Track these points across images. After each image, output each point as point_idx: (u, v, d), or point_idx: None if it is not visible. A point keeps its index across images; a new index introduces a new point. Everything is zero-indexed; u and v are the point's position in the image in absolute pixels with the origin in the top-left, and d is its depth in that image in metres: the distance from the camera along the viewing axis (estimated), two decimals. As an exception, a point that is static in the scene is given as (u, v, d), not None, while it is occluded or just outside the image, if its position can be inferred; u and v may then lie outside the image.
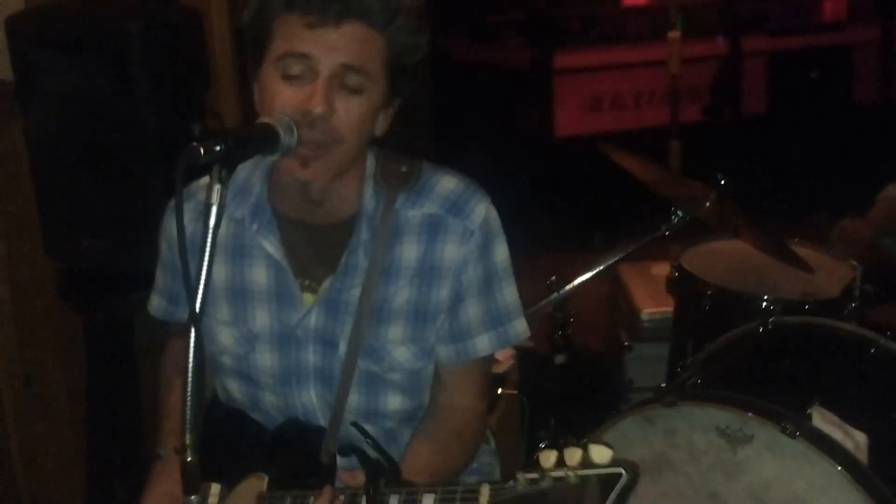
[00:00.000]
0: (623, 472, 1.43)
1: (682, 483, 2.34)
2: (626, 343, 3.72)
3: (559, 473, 1.45)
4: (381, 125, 1.88)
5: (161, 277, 2.13)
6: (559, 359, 3.13)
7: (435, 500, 1.63)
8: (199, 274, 1.54)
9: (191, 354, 1.52)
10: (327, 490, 1.76)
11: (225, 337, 2.00)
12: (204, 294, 1.54)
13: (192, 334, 1.51)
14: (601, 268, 2.95)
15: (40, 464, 3.49)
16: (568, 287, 2.91)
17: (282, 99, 1.75)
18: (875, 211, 3.06)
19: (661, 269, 3.74)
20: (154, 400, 3.03)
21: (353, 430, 1.88)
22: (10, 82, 2.84)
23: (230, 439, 1.98)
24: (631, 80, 5.99)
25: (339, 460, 1.92)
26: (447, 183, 1.95)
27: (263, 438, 2.00)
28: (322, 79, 1.74)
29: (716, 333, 2.73)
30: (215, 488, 1.95)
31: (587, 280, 2.95)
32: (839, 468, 2.15)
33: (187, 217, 1.99)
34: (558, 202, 6.08)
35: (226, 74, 3.13)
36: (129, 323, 3.02)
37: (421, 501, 1.65)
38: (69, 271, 3.02)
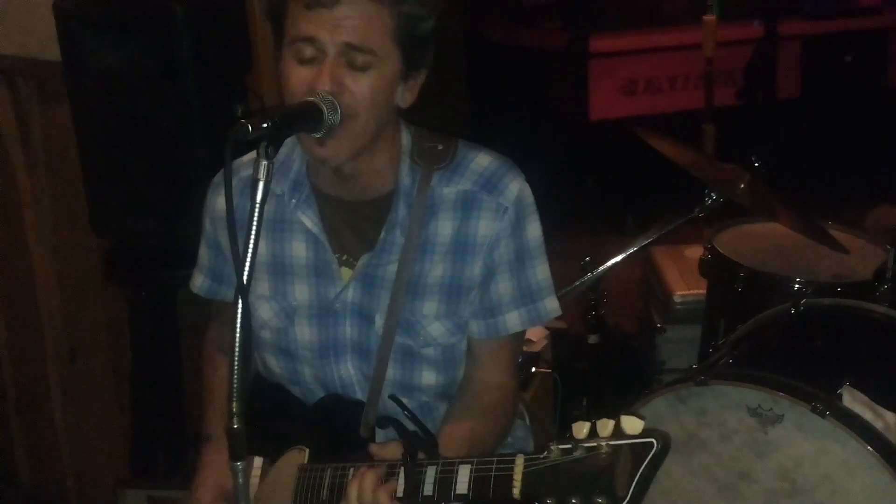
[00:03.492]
0: (654, 441, 1.43)
1: (712, 462, 2.37)
2: (658, 325, 3.75)
3: (591, 444, 1.47)
4: (404, 98, 1.89)
5: (204, 255, 2.16)
6: (592, 339, 3.15)
7: (471, 471, 1.65)
8: (247, 247, 1.57)
9: (238, 325, 1.55)
10: (366, 466, 1.79)
11: (265, 311, 2.03)
12: (250, 268, 1.58)
13: (240, 305, 1.54)
14: (635, 248, 2.98)
15: (85, 438, 3.57)
16: (602, 268, 2.94)
17: (294, 80, 1.79)
18: None
19: (694, 253, 3.76)
20: (196, 377, 3.11)
21: (391, 405, 1.92)
22: (58, 63, 2.91)
23: (271, 414, 2.02)
24: (666, 64, 5.97)
25: (378, 433, 1.96)
26: (482, 160, 1.98)
27: (303, 413, 2.04)
28: (329, 59, 1.76)
29: (748, 315, 2.75)
30: (258, 461, 2.00)
31: (620, 262, 2.98)
32: (869, 447, 2.16)
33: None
34: (592, 185, 6.09)
35: (265, 57, 3.17)
36: (173, 301, 3.08)
37: (457, 472, 1.66)
38: (114, 249, 3.08)
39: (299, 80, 1.78)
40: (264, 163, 1.59)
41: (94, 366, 3.46)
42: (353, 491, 1.74)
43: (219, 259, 2.12)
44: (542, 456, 1.53)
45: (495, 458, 1.62)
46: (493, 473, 1.61)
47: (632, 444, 1.44)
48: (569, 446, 1.49)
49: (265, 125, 1.60)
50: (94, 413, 3.51)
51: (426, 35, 1.86)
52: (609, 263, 2.93)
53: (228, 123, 2.77)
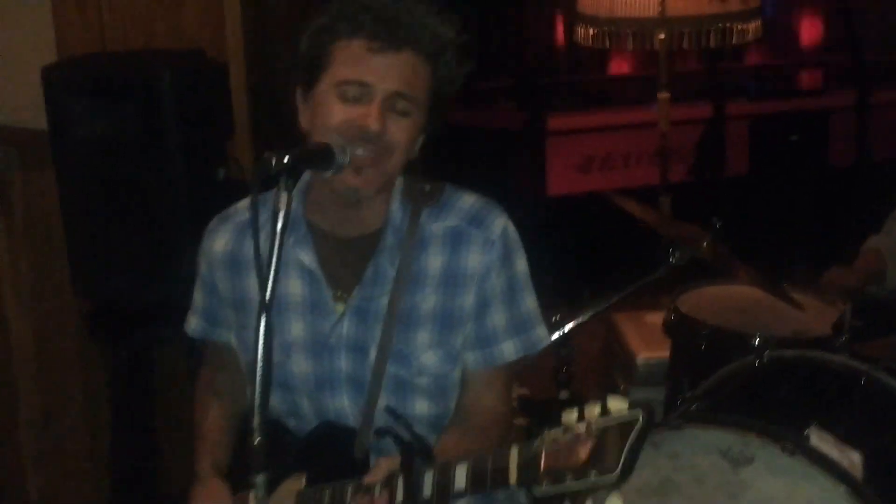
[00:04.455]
0: (640, 415, 1.50)
1: (686, 505, 2.45)
2: (621, 386, 3.84)
3: (581, 426, 1.54)
4: (415, 150, 2.03)
5: (199, 298, 2.23)
6: (563, 394, 3.24)
7: (468, 469, 1.70)
8: (269, 262, 1.67)
9: (261, 339, 1.64)
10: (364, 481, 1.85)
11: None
12: (273, 286, 1.67)
13: (263, 321, 1.64)
14: (608, 304, 3.08)
15: (57, 502, 3.55)
16: (572, 324, 3.03)
17: (338, 114, 1.91)
18: (859, 261, 3.19)
19: (655, 318, 3.86)
20: (171, 435, 3.14)
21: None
22: (42, 132, 2.99)
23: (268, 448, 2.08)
24: (620, 142, 6.16)
25: (372, 456, 2.02)
26: (468, 199, 2.10)
27: (298, 443, 2.09)
28: (377, 102, 1.90)
29: (711, 372, 2.82)
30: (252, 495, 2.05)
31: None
32: (837, 484, 2.22)
33: (225, 238, 2.15)
34: (549, 259, 6.18)
35: (243, 125, 3.28)
36: (152, 359, 3.14)
37: (455, 473, 1.71)
38: (95, 309, 3.13)
39: (346, 117, 1.91)
40: (285, 194, 1.69)
41: (70, 430, 3.46)
42: None
43: (213, 301, 2.19)
44: (534, 445, 1.59)
45: (490, 456, 1.68)
46: (489, 467, 1.67)
47: (619, 420, 1.50)
48: (560, 431, 1.56)
49: (286, 160, 1.70)
50: (69, 477, 3.50)
51: (448, 96, 2.01)
52: (582, 318, 3.03)
53: (211, 187, 2.90)
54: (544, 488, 1.57)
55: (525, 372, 2.44)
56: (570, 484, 1.53)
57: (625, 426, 1.49)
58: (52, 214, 3.10)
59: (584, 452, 1.51)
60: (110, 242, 2.91)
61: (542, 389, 3.41)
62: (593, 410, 1.54)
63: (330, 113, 1.93)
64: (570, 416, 1.56)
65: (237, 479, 2.09)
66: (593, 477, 1.50)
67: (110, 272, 2.93)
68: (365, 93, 1.91)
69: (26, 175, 3.29)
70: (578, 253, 5.77)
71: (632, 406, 1.52)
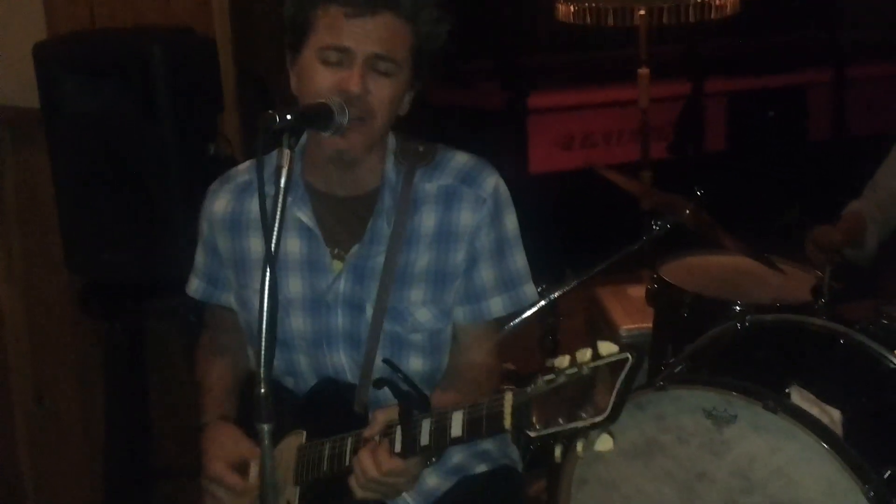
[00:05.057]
0: (629, 356, 1.55)
1: (671, 464, 2.50)
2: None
3: (573, 370, 1.59)
4: (405, 106, 2.08)
5: (201, 260, 2.28)
6: (550, 362, 3.28)
7: (464, 415, 1.75)
8: (275, 217, 1.72)
9: (266, 293, 1.69)
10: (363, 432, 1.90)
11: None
12: (277, 239, 1.72)
13: (268, 274, 1.70)
14: (593, 272, 3.13)
15: (51, 483, 3.58)
16: (558, 292, 3.09)
17: (322, 81, 1.96)
18: (842, 222, 3.26)
19: (637, 291, 3.93)
20: (165, 410, 3.17)
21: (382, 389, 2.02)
22: (35, 110, 3.02)
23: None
24: (601, 119, 6.22)
25: (372, 392, 2.07)
26: (460, 158, 2.16)
27: (298, 401, 2.14)
28: (358, 64, 1.95)
29: (694, 339, 2.88)
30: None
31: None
32: (819, 441, 2.30)
33: (226, 199, 2.20)
34: (532, 237, 6.23)
35: (230, 102, 3.32)
36: (145, 335, 3.18)
37: (451, 419, 1.76)
38: (88, 285, 3.16)
39: (329, 81, 1.96)
40: (287, 151, 1.74)
41: (62, 408, 3.49)
42: (356, 466, 1.86)
43: (214, 262, 2.25)
44: (528, 389, 1.64)
45: (485, 401, 1.73)
46: (484, 413, 1.72)
47: (609, 362, 1.55)
48: (552, 377, 1.61)
49: (288, 117, 1.75)
50: (62, 456, 3.52)
51: (434, 52, 2.06)
52: (570, 286, 3.08)
53: (202, 161, 2.94)
54: (538, 431, 1.62)
55: (511, 347, 2.50)
56: (563, 425, 1.58)
57: (614, 368, 1.54)
58: (45, 192, 3.12)
59: (575, 395, 1.56)
60: (103, 219, 2.94)
61: (528, 364, 3.47)
62: (584, 355, 1.58)
63: (314, 78, 1.98)
64: (563, 361, 1.61)
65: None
66: (585, 418, 1.56)
67: (103, 248, 2.96)
68: (345, 57, 1.96)
69: (18, 153, 3.31)
70: (561, 231, 5.83)
71: (621, 350, 1.57)
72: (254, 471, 2.04)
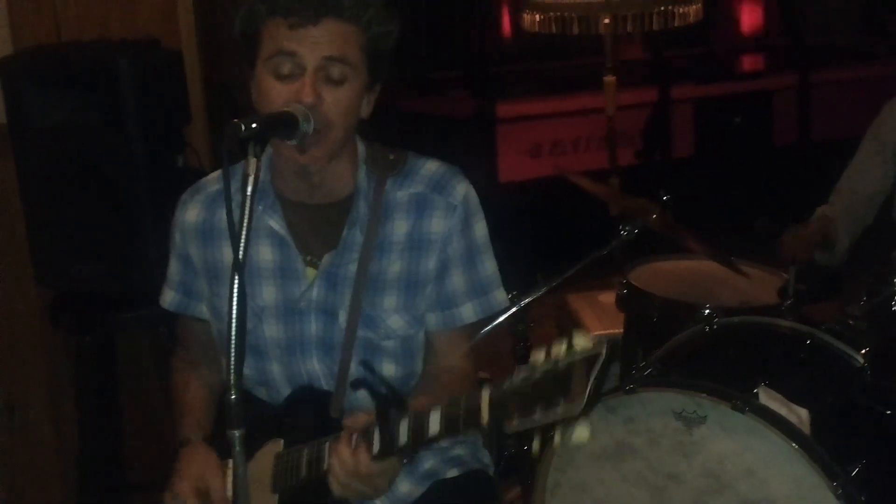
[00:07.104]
0: (603, 348, 1.55)
1: (642, 467, 2.52)
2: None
3: (549, 365, 1.59)
4: (365, 109, 2.08)
5: (174, 270, 2.27)
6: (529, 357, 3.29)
7: (441, 414, 1.75)
8: (241, 224, 1.71)
9: (234, 301, 1.69)
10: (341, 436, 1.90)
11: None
12: (245, 245, 1.71)
13: (237, 282, 1.69)
14: (563, 277, 3.15)
15: (22, 497, 3.55)
16: (528, 299, 3.10)
17: (275, 94, 1.96)
18: (813, 224, 3.29)
19: (608, 298, 3.97)
20: (136, 422, 3.15)
21: (358, 395, 2.03)
22: (1, 124, 3.00)
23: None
24: (569, 128, 6.26)
25: (348, 398, 2.07)
26: (430, 166, 2.17)
27: (274, 411, 2.14)
28: (309, 72, 1.94)
29: (664, 342, 2.92)
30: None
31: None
32: (788, 440, 2.32)
33: (197, 208, 2.20)
34: (502, 245, 6.26)
35: (198, 113, 3.32)
36: (115, 347, 3.17)
37: (429, 418, 1.77)
38: (58, 297, 3.15)
39: (280, 93, 1.95)
40: (253, 160, 1.74)
41: (33, 420, 3.47)
42: (334, 464, 1.86)
43: (188, 273, 2.24)
44: (505, 385, 1.64)
45: (462, 398, 1.72)
46: (461, 410, 1.72)
47: (584, 354, 1.55)
48: (528, 373, 1.61)
49: (254, 126, 1.75)
50: (33, 469, 3.51)
51: (388, 50, 2.06)
52: (541, 291, 3.09)
53: (171, 173, 2.93)
54: (515, 424, 1.62)
55: (485, 356, 2.51)
56: (540, 416, 1.58)
57: (589, 359, 1.55)
58: (13, 205, 3.11)
59: (551, 388, 1.57)
60: (71, 231, 2.93)
61: (501, 373, 3.47)
62: (560, 348, 1.59)
63: (269, 93, 1.97)
64: (539, 354, 1.62)
65: (218, 450, 2.12)
66: (561, 408, 1.56)
67: (72, 261, 2.95)
68: (296, 65, 1.95)
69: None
70: (531, 239, 5.85)
71: (596, 344, 1.57)
72: (228, 482, 2.04)
